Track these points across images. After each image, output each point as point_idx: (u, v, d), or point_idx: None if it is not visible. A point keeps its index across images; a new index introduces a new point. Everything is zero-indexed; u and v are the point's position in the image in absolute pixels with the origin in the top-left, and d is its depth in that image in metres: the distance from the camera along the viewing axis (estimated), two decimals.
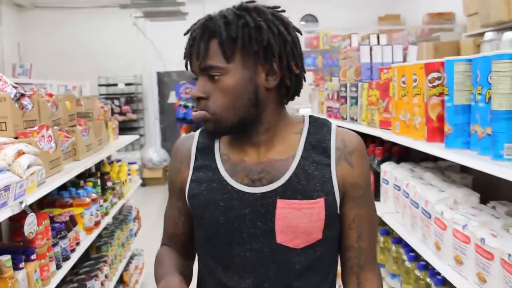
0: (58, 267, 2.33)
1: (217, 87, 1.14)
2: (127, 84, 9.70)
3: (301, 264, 1.18)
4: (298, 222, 1.16)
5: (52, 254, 2.25)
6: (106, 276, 3.17)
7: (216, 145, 1.27)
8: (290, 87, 1.20)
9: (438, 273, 1.81)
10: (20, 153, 2.00)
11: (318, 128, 1.24)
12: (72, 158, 2.83)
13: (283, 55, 1.15)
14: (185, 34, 1.20)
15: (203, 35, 1.14)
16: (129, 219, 4.08)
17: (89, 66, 9.59)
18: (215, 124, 1.17)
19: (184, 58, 1.20)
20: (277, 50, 1.14)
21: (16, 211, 1.82)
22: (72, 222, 2.59)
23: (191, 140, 1.32)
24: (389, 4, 9.56)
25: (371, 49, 2.86)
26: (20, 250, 2.00)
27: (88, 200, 2.87)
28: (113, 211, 3.45)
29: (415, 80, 1.85)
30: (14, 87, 2.36)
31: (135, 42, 9.62)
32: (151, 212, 6.21)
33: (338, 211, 1.21)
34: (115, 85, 9.63)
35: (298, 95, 1.25)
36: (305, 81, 1.23)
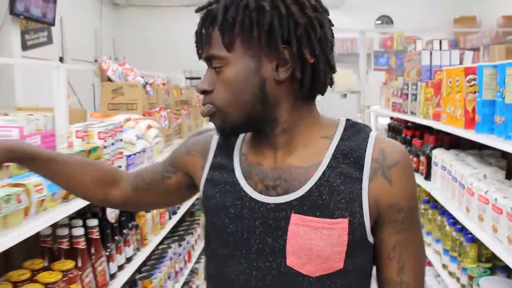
0: (169, 217, 3.00)
1: (219, 79, 0.99)
2: None
3: None
4: (312, 244, 0.96)
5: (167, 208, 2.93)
6: (198, 236, 3.85)
7: (238, 142, 1.10)
8: (303, 80, 0.98)
9: (469, 233, 2.30)
10: (149, 127, 2.69)
11: (354, 134, 1.02)
12: (178, 136, 3.51)
13: (293, 40, 0.95)
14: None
15: (205, 21, 1.00)
16: None
17: (176, 60, 10.44)
18: (221, 120, 1.01)
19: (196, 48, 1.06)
20: (285, 34, 0.94)
21: None
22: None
23: (211, 136, 1.14)
24: (464, 6, 9.59)
25: (431, 54, 3.34)
26: None
27: None
28: None
29: (457, 81, 2.34)
30: (141, 77, 3.06)
31: None
32: None
33: (369, 237, 1.00)
34: (199, 78, 10.42)
35: (320, 90, 1.03)
36: (333, 71, 1.02)
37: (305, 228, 0.96)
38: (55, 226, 1.76)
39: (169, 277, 2.97)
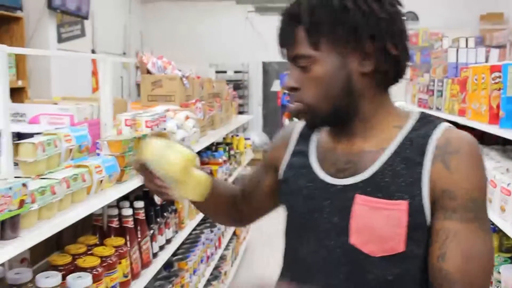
0: None
1: (308, 77, 1.04)
2: (235, 72, 10.61)
3: (377, 277, 1.01)
4: (374, 224, 1.00)
5: None
6: None
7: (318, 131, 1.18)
8: (388, 71, 1.04)
9: (491, 223, 2.41)
10: (187, 117, 2.84)
11: (424, 125, 1.06)
12: (211, 128, 3.67)
13: (377, 36, 1.01)
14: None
15: (290, 23, 1.05)
16: None
17: (202, 54, 10.62)
18: (311, 116, 1.08)
19: (278, 46, 1.11)
20: (368, 31, 1.00)
21: None
22: (211, 175, 3.43)
23: (299, 125, 1.23)
24: (491, 2, 9.52)
25: (457, 51, 3.43)
26: None
27: (220, 160, 3.71)
28: (234, 174, 4.29)
29: (483, 78, 2.44)
30: (179, 69, 3.22)
31: (244, 33, 10.54)
32: None
33: (428, 222, 1.00)
34: (225, 72, 10.58)
35: (397, 80, 1.09)
36: (410, 62, 1.09)
37: (367, 208, 1.01)
38: (105, 206, 1.93)
39: (201, 261, 3.14)
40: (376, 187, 1.01)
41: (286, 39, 1.06)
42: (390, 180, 1.01)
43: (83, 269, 1.65)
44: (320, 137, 1.16)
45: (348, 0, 0.99)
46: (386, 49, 1.01)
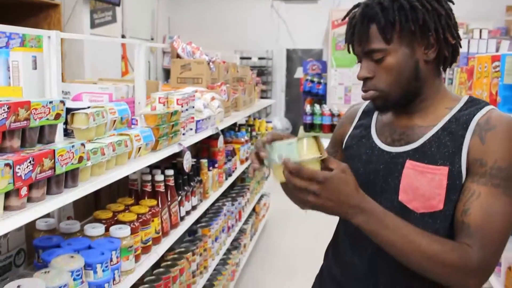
0: (226, 178, 3.44)
1: (381, 67, 1.22)
2: (259, 58, 10.85)
3: None
4: (419, 184, 1.18)
5: (224, 169, 3.37)
6: (248, 200, 4.29)
7: None
8: (447, 57, 1.24)
9: None
10: (212, 98, 3.11)
11: (471, 107, 1.22)
12: (234, 109, 3.93)
13: (439, 28, 1.19)
14: (343, 20, 1.36)
15: (363, 22, 1.22)
16: (264, 164, 5.18)
17: (227, 40, 10.86)
18: (384, 100, 1.25)
19: (345, 43, 1.30)
20: (432, 25, 1.18)
21: (214, 131, 2.92)
22: (233, 153, 3.71)
23: (361, 105, 1.47)
24: None
25: (469, 42, 3.62)
26: (210, 161, 3.12)
27: (242, 140, 3.99)
28: None
29: (485, 67, 2.65)
30: (206, 55, 3.49)
31: (269, 21, 10.75)
32: None
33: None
34: (249, 58, 10.82)
35: (456, 62, 1.30)
36: (461, 47, 1.27)
37: (414, 172, 1.20)
38: (139, 172, 2.22)
39: (223, 230, 3.42)
40: (424, 155, 1.21)
41: (361, 36, 1.23)
42: (435, 149, 1.19)
43: (123, 223, 1.94)
44: (379, 114, 1.38)
45: (415, 1, 1.18)
46: (445, 39, 1.21)
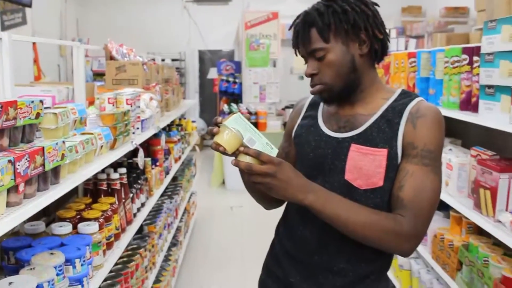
0: (165, 176, 3.53)
1: (323, 64, 1.40)
2: (173, 60, 10.85)
3: (362, 204, 1.34)
4: (362, 164, 1.36)
5: (163, 168, 3.46)
6: (181, 198, 4.39)
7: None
8: (378, 51, 1.43)
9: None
10: (151, 99, 3.19)
11: (404, 98, 1.42)
12: (166, 109, 4.02)
13: (368, 27, 1.38)
14: (289, 29, 1.50)
15: (304, 27, 1.40)
16: (191, 163, 5.30)
17: (139, 42, 10.73)
18: (329, 92, 1.42)
19: (292, 47, 1.48)
20: (362, 24, 1.37)
21: (156, 130, 3.01)
22: (168, 151, 3.80)
23: (306, 99, 1.63)
24: None
25: None
26: (153, 159, 3.20)
27: (175, 139, 4.08)
28: (186, 153, 4.66)
29: (402, 63, 2.98)
30: (140, 56, 3.55)
31: (181, 22, 10.80)
32: None
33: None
34: (163, 60, 10.79)
35: (386, 55, 1.47)
36: (389, 42, 1.47)
37: (358, 154, 1.37)
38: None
39: (164, 227, 3.51)
40: (366, 139, 1.38)
41: (304, 39, 1.41)
42: (376, 134, 1.37)
43: (88, 220, 2.00)
44: (325, 106, 1.54)
45: (345, 5, 1.37)
46: (374, 35, 1.40)
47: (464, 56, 2.36)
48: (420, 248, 2.80)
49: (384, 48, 1.44)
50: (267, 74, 8.12)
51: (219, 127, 1.29)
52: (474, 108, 2.29)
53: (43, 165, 1.41)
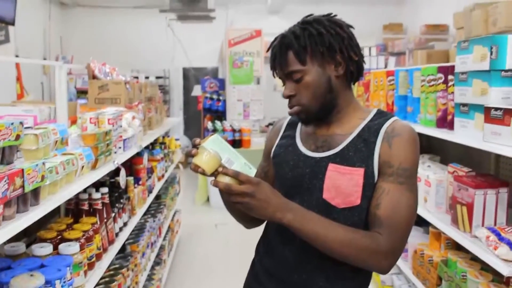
0: (148, 195, 3.53)
1: (300, 85, 1.42)
2: (157, 77, 10.88)
3: (340, 223, 1.35)
4: (340, 184, 1.38)
5: (146, 186, 3.46)
6: (165, 216, 4.38)
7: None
8: (354, 72, 1.45)
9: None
10: (133, 118, 3.21)
11: (380, 118, 1.44)
12: (148, 128, 4.03)
13: (343, 49, 1.40)
14: (267, 51, 1.54)
15: (281, 50, 1.43)
16: (175, 181, 5.29)
17: (124, 59, 10.74)
18: (306, 113, 1.44)
19: (270, 69, 1.50)
20: (337, 46, 1.39)
21: (139, 149, 3.02)
22: (151, 170, 3.81)
23: (284, 120, 1.65)
24: (393, 13, 10.49)
25: None
26: (136, 178, 3.21)
27: (158, 157, 4.09)
28: (169, 171, 4.66)
29: (381, 81, 3.04)
30: (123, 76, 3.57)
31: (165, 39, 10.85)
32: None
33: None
34: (147, 77, 10.82)
35: (362, 76, 1.50)
36: (365, 63, 1.49)
37: (336, 173, 1.39)
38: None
39: (147, 246, 3.50)
40: (343, 158, 1.40)
41: (281, 61, 1.44)
42: (353, 154, 1.39)
43: (69, 240, 2.00)
44: (302, 126, 1.57)
45: (321, 28, 1.40)
46: (350, 57, 1.42)
47: (440, 75, 2.42)
48: (401, 264, 2.84)
49: (359, 69, 1.47)
50: (251, 91, 8.17)
51: (197, 148, 1.32)
52: (450, 125, 2.35)
53: (22, 187, 1.41)
